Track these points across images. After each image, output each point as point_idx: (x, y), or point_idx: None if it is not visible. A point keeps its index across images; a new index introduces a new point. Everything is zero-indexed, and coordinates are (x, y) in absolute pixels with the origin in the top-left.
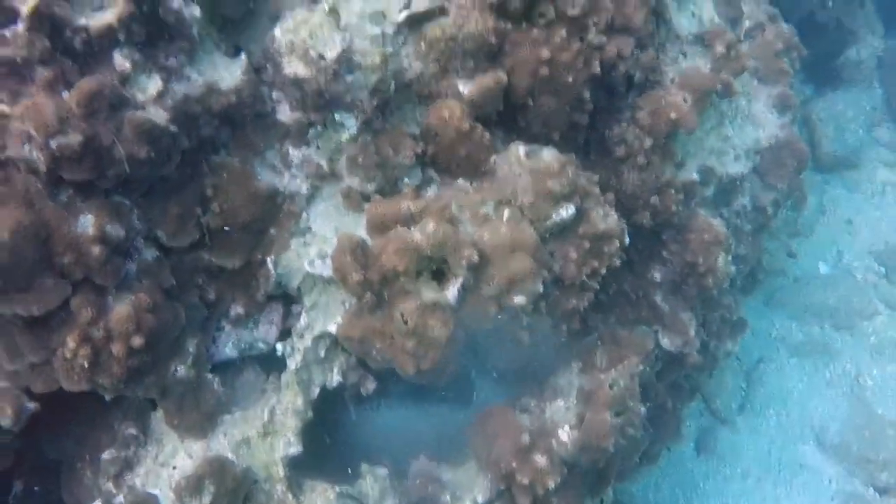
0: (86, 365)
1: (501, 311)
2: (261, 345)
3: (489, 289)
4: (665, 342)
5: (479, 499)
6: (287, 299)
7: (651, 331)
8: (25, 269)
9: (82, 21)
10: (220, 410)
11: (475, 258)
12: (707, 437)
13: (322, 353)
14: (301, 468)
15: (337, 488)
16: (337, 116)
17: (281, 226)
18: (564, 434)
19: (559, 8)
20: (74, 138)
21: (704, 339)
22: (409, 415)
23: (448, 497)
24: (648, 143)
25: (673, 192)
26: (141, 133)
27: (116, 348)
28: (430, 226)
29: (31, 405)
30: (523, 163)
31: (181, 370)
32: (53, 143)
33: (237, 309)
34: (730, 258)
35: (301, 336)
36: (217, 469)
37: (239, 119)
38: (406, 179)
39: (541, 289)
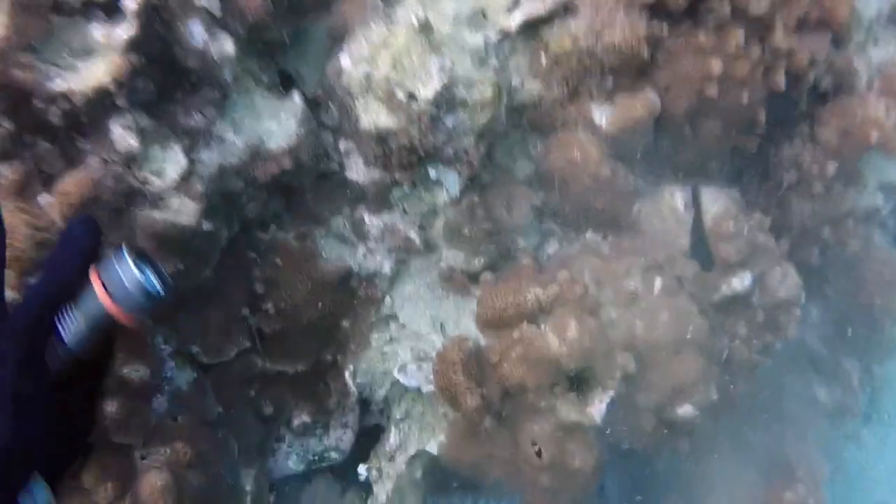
0: None
1: (660, 425)
2: (333, 454)
3: (647, 399)
4: (821, 394)
5: None
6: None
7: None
8: None
9: (60, 84)
10: None
11: (632, 368)
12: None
13: (418, 475)
14: None
15: None
16: (432, 172)
17: (357, 317)
18: None
19: (737, 4)
20: None
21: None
22: None
23: None
24: (832, 168)
25: (851, 223)
26: (163, 243)
27: None
28: (572, 330)
29: None
30: (683, 218)
31: None
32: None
33: (302, 418)
34: None
35: (391, 458)
36: None
37: (296, 185)
38: (521, 241)
39: (714, 396)
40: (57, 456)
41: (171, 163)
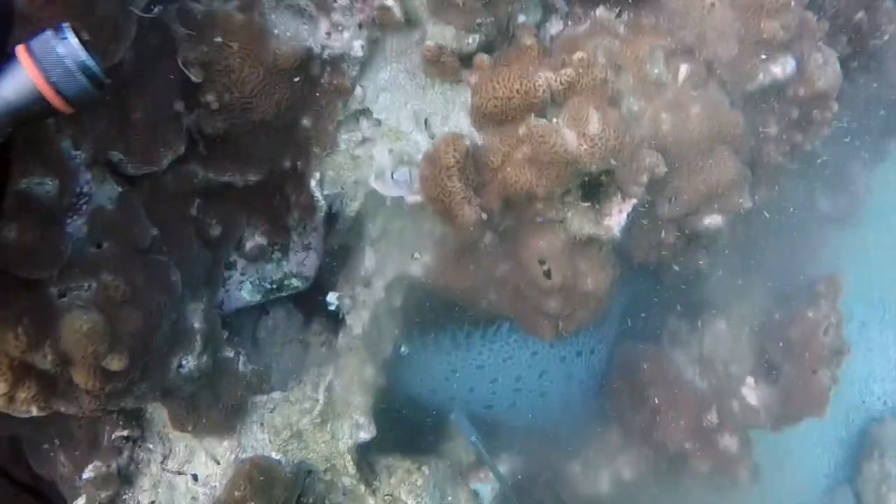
0: (34, 403)
1: (682, 236)
2: (295, 282)
3: (671, 208)
4: (823, 203)
5: (626, 473)
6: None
7: None
8: None
9: None
10: (250, 391)
11: (661, 169)
12: None
13: (398, 302)
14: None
15: (424, 468)
16: None
17: (321, 112)
18: (751, 393)
19: None
20: None
21: None
22: (517, 358)
23: (578, 467)
24: None
25: (890, 6)
26: (67, 7)
27: (82, 378)
28: (594, 124)
29: None
30: None
31: (188, 363)
32: None
33: (255, 239)
34: None
35: (367, 284)
36: (260, 480)
37: None
38: (521, 17)
39: (749, 203)
40: None
41: None
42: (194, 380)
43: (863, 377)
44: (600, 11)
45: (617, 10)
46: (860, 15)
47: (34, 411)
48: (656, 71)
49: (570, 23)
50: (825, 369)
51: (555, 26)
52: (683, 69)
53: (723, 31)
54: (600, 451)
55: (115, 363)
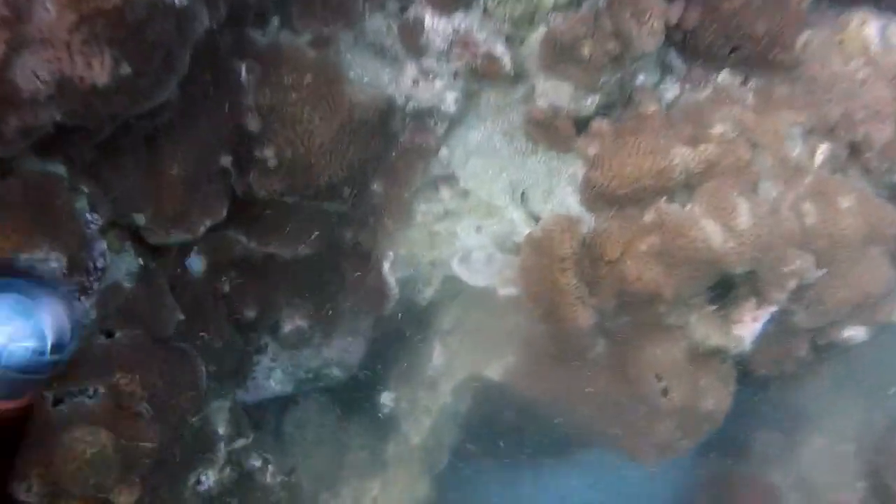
0: None
1: (813, 349)
2: (335, 371)
3: (810, 317)
4: None
5: None
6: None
7: None
8: None
9: None
10: None
11: (811, 273)
12: None
13: (465, 407)
14: None
15: None
16: None
17: (395, 177)
18: None
19: None
20: None
21: None
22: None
23: None
24: None
25: None
26: (95, 19)
27: None
28: (744, 215)
29: None
30: (875, 54)
31: (207, 479)
32: None
33: (296, 322)
34: None
35: (433, 386)
36: None
37: None
38: (640, 77)
39: None
40: None
41: None
42: (212, 498)
43: None
44: (723, 76)
45: (743, 77)
46: None
47: None
48: (797, 151)
49: (687, 86)
50: None
51: (671, 90)
52: (822, 149)
53: (877, 110)
54: None
55: (125, 497)
